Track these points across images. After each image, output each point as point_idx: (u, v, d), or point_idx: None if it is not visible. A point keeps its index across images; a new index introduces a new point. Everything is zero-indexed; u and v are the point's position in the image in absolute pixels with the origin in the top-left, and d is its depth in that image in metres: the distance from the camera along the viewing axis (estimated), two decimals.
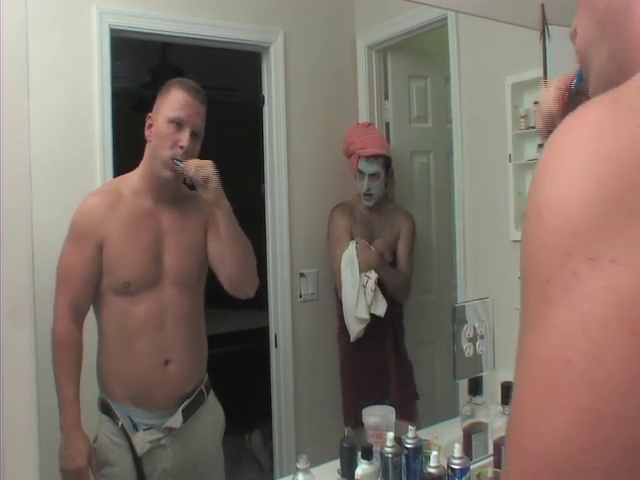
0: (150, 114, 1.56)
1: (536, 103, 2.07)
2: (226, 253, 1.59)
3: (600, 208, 0.38)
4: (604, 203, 0.38)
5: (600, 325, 0.36)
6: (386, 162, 2.17)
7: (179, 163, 1.51)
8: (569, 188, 0.39)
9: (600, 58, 0.56)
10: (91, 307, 1.52)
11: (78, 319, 1.48)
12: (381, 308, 2.09)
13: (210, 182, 1.49)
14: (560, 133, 0.43)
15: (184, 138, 1.52)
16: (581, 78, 0.78)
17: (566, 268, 0.38)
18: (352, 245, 2.11)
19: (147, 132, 1.55)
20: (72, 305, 1.47)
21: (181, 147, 1.52)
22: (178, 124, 1.53)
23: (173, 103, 1.54)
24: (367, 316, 2.07)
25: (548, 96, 0.82)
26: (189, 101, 1.54)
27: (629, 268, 0.36)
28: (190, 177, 1.51)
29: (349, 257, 2.10)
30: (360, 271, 2.08)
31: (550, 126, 0.82)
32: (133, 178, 1.57)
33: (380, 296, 2.10)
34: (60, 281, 1.46)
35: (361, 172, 2.14)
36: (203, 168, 1.50)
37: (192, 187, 1.60)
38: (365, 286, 2.08)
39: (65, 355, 1.44)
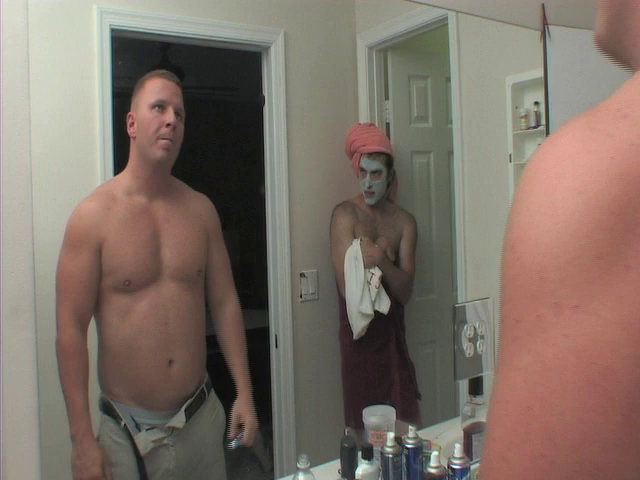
0: (130, 113, 1.57)
1: (537, 103, 2.08)
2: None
3: (565, 249, 0.36)
4: (569, 243, 0.36)
5: (558, 374, 0.36)
6: (388, 160, 2.17)
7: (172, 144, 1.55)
8: (538, 226, 0.38)
9: (604, 5, 0.51)
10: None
11: (82, 327, 1.47)
12: (385, 305, 2.09)
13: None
14: (534, 162, 0.41)
15: (169, 116, 1.55)
16: None
17: (532, 311, 0.37)
18: (356, 242, 2.12)
19: (130, 130, 1.57)
20: (75, 312, 1.46)
21: (168, 125, 1.54)
22: (160, 107, 1.55)
23: (152, 89, 1.57)
24: (371, 312, 2.07)
25: None
26: (166, 83, 1.58)
27: (590, 316, 0.35)
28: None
29: (353, 254, 2.10)
30: (364, 267, 2.09)
31: None
32: (123, 179, 1.58)
33: (384, 293, 2.10)
34: (61, 289, 1.45)
35: (363, 170, 2.15)
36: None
37: (186, 181, 1.65)
38: (369, 282, 2.08)
39: (73, 365, 1.44)
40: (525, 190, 0.41)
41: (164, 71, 1.61)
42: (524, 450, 0.36)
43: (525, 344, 0.37)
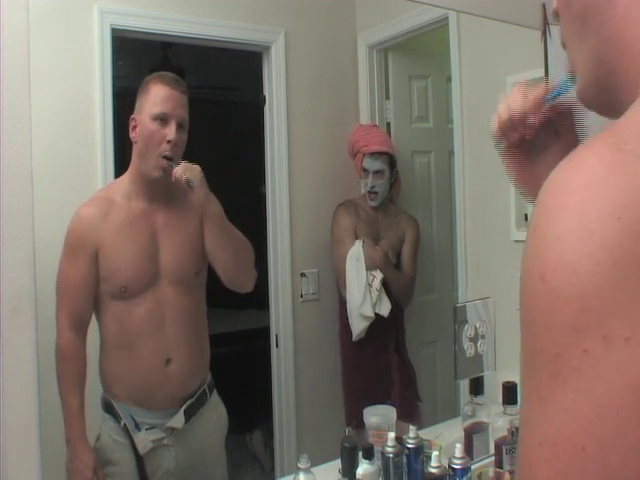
0: (133, 116, 1.54)
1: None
2: (220, 252, 1.59)
3: (609, 276, 0.35)
4: (613, 271, 0.34)
5: (614, 412, 0.34)
6: (390, 161, 2.18)
7: (172, 164, 1.50)
8: (573, 253, 0.36)
9: (583, 58, 0.51)
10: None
11: (80, 330, 1.48)
12: (385, 308, 2.09)
13: (194, 186, 1.49)
14: (556, 185, 0.39)
15: (171, 132, 1.51)
16: (560, 92, 0.75)
17: (577, 345, 0.35)
18: (358, 244, 2.12)
19: (132, 134, 1.54)
20: (72, 316, 1.46)
21: (169, 142, 1.50)
22: (162, 119, 1.51)
23: (155, 98, 1.52)
24: (372, 314, 2.07)
25: (516, 99, 0.77)
26: (171, 93, 1.53)
27: None
28: (177, 180, 1.49)
29: (355, 255, 2.10)
30: (366, 269, 2.08)
31: (507, 130, 0.76)
32: (123, 182, 1.56)
33: (385, 296, 2.10)
34: (59, 294, 1.45)
35: (365, 170, 2.15)
36: (188, 171, 1.49)
37: None
38: (371, 285, 2.08)
39: (69, 368, 1.44)
40: (549, 215, 0.38)
41: (171, 76, 1.55)
42: None
43: (570, 381, 0.35)
